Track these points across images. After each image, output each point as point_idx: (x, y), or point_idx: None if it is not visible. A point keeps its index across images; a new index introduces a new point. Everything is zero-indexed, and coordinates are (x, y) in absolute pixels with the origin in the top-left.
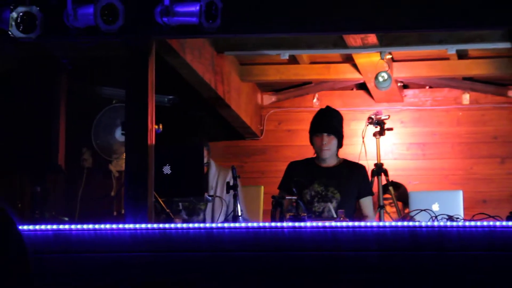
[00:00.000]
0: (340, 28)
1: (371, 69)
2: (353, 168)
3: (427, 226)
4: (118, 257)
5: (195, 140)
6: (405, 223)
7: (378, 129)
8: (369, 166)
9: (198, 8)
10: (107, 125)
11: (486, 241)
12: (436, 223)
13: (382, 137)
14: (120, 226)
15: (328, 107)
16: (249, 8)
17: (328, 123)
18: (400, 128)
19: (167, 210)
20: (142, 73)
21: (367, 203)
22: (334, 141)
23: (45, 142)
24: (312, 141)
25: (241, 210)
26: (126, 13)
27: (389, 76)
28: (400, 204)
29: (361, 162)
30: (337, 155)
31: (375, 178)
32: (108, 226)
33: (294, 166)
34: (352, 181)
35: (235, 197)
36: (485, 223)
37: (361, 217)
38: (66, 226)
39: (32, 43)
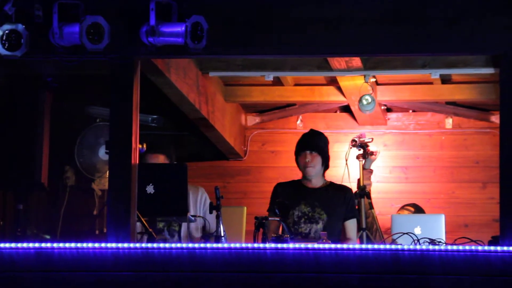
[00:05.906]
0: (325, 51)
1: (355, 92)
2: (340, 190)
3: (409, 250)
4: (100, 276)
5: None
6: (388, 246)
7: (361, 151)
8: (352, 188)
9: (183, 28)
10: (91, 143)
11: (468, 265)
12: (418, 247)
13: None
14: (103, 245)
15: (312, 130)
16: (235, 29)
17: (311, 142)
18: (383, 151)
19: (150, 230)
20: (127, 92)
21: (351, 226)
22: (318, 159)
23: (28, 160)
24: (297, 162)
25: (224, 231)
26: (111, 33)
27: (373, 99)
28: None
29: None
30: (323, 176)
31: (358, 200)
32: (90, 245)
33: (280, 187)
34: (339, 202)
35: (218, 217)
36: (467, 248)
37: (344, 239)
38: (48, 245)
39: (17, 60)
